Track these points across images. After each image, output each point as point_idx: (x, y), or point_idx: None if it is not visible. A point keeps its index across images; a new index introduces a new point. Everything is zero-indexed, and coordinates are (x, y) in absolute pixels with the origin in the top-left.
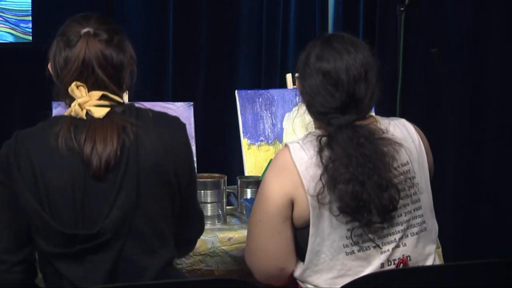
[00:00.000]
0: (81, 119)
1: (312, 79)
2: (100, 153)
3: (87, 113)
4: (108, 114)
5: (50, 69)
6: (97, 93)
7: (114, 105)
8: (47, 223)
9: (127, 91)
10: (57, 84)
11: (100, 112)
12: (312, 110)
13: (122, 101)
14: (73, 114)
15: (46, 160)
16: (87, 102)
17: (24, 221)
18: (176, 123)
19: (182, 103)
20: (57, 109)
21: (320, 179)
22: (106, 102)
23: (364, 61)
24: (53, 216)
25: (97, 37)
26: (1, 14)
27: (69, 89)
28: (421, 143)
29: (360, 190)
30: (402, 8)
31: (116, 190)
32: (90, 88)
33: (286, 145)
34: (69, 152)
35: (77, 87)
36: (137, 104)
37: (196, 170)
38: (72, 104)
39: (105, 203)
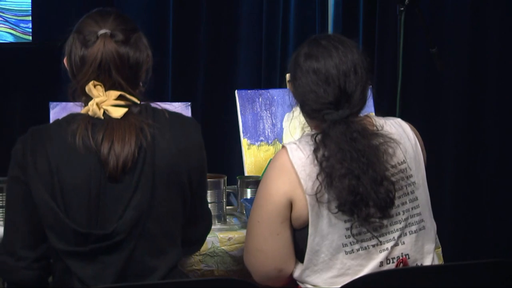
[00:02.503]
0: (98, 118)
1: (303, 79)
2: (117, 154)
3: (104, 113)
4: (125, 114)
5: (66, 64)
6: (114, 93)
7: (130, 104)
8: (61, 221)
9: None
10: (73, 81)
11: (117, 113)
12: (305, 109)
13: (138, 101)
14: (90, 113)
15: (62, 157)
16: (105, 101)
17: (39, 216)
18: (190, 124)
19: (180, 103)
20: (55, 109)
21: (317, 177)
22: (123, 102)
23: (352, 56)
24: (67, 214)
25: (114, 38)
26: (1, 14)
27: (86, 88)
28: (417, 142)
29: (356, 184)
30: (402, 8)
31: (132, 191)
32: (107, 88)
33: (283, 146)
34: (86, 151)
35: (94, 86)
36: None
37: (206, 173)
38: (90, 103)
39: (119, 203)
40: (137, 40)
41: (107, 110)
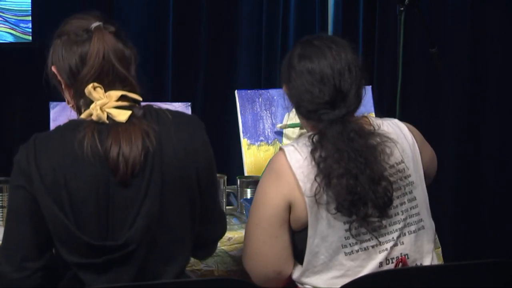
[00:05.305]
0: (103, 123)
1: (298, 80)
2: (126, 156)
3: (108, 117)
4: (130, 117)
5: (56, 72)
6: (115, 93)
7: (133, 106)
8: (73, 235)
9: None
10: (69, 85)
11: (122, 116)
12: (301, 110)
13: (140, 98)
14: (94, 118)
15: (69, 168)
16: (107, 104)
17: (46, 227)
18: (194, 123)
19: (180, 103)
20: (55, 109)
21: (315, 179)
22: (125, 103)
23: (346, 55)
24: (78, 227)
25: (107, 30)
26: (1, 14)
27: (86, 91)
28: (415, 142)
29: (354, 183)
30: (402, 8)
31: (141, 197)
32: (106, 88)
33: (280, 149)
34: (94, 159)
35: (94, 88)
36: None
37: (216, 171)
38: (91, 107)
39: (129, 211)
40: (124, 34)
41: (110, 113)
